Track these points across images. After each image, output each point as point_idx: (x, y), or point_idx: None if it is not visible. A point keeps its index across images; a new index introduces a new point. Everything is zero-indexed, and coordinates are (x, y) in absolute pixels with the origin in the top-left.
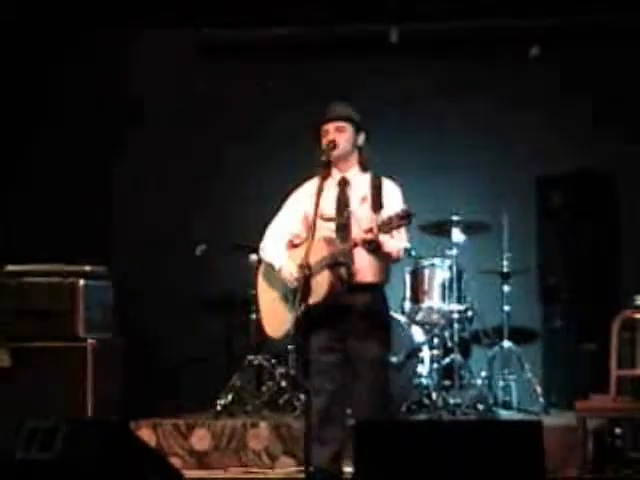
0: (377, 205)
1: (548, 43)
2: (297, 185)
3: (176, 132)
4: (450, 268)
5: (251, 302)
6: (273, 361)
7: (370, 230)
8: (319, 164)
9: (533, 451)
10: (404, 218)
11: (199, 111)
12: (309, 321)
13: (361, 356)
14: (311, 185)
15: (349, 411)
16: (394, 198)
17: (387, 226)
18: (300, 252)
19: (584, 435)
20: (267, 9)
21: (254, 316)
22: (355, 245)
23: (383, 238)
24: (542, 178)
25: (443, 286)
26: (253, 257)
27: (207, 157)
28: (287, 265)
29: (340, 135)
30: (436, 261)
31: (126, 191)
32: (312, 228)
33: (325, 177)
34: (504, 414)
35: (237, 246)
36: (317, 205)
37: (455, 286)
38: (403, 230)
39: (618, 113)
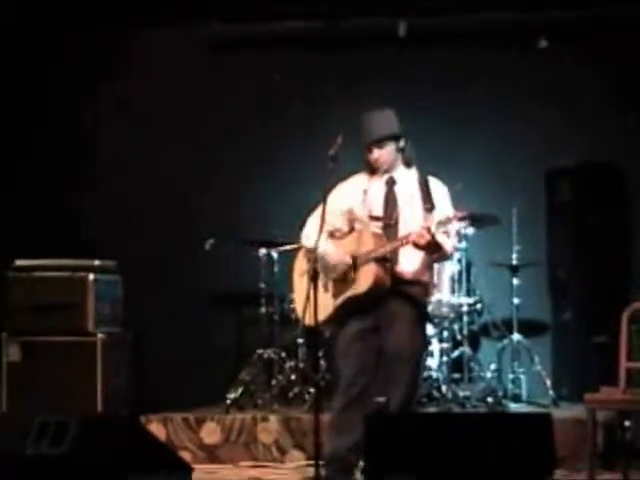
0: (429, 205)
1: (556, 36)
2: (339, 179)
3: (185, 128)
4: (459, 261)
5: (260, 296)
6: (283, 354)
7: (428, 229)
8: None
9: (543, 444)
10: (464, 219)
11: (204, 107)
12: (347, 311)
13: (398, 350)
14: (358, 180)
15: (381, 399)
16: (442, 197)
17: (444, 226)
18: (342, 244)
19: (594, 428)
20: (275, 3)
21: (263, 310)
22: (408, 243)
23: (441, 238)
24: (551, 171)
25: (452, 279)
26: (262, 251)
27: (217, 152)
28: (335, 251)
29: (382, 151)
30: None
31: (134, 186)
32: (356, 224)
33: (372, 174)
34: (514, 407)
35: (246, 240)
36: (365, 204)
37: (464, 279)
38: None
39: (628, 105)
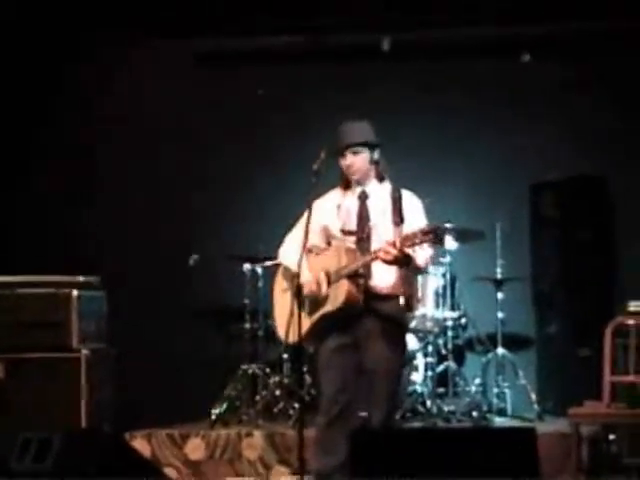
0: (398, 218)
1: (540, 50)
2: (318, 195)
3: (169, 142)
4: (444, 275)
5: (245, 311)
6: (267, 370)
7: (393, 244)
8: (343, 175)
9: (528, 458)
10: (428, 234)
11: (192, 120)
12: (323, 328)
13: (377, 367)
14: (332, 196)
15: (363, 414)
16: (414, 210)
17: (410, 241)
18: (318, 261)
19: (578, 441)
20: (261, 18)
21: (248, 325)
22: (376, 258)
23: (411, 252)
24: (535, 185)
25: (437, 293)
26: (247, 266)
27: (201, 168)
28: (306, 274)
29: (356, 157)
30: (430, 268)
31: (119, 202)
32: (332, 240)
33: (345, 189)
34: (499, 421)
35: (231, 256)
36: (339, 219)
37: (449, 293)
38: None
39: (612, 119)
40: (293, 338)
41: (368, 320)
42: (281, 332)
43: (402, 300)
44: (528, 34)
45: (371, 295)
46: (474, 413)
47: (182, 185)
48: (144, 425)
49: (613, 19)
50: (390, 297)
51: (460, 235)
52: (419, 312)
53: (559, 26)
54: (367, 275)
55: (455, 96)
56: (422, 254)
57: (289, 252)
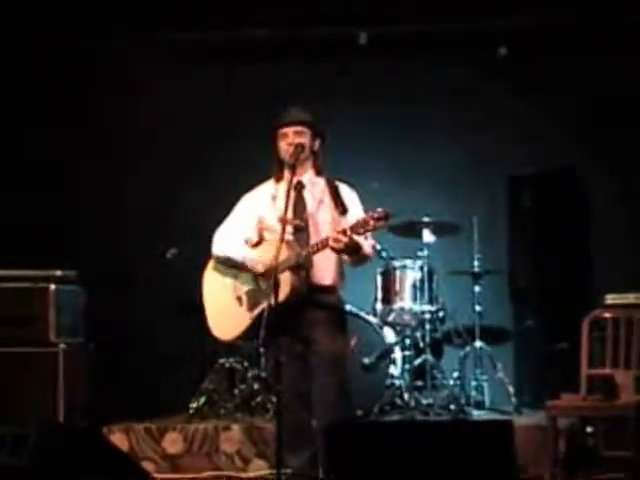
0: (341, 207)
1: (516, 43)
2: (250, 188)
3: (149, 137)
4: (421, 269)
5: None
6: (245, 364)
7: (343, 232)
8: (276, 167)
9: (504, 450)
10: (381, 219)
11: (168, 115)
12: (273, 324)
13: (323, 357)
14: (265, 188)
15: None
16: (352, 201)
17: (362, 227)
18: (256, 253)
19: (555, 434)
20: (236, 11)
21: None
22: (325, 247)
23: (359, 240)
24: (512, 179)
25: (414, 287)
26: None
27: (183, 162)
28: (250, 253)
29: (298, 139)
30: (407, 262)
31: (96, 193)
32: (282, 231)
33: (278, 180)
34: (476, 414)
35: (208, 249)
36: (287, 208)
37: (426, 287)
38: None
39: (588, 113)
40: (227, 334)
41: (311, 313)
42: (216, 331)
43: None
44: (503, 27)
45: (313, 287)
46: (452, 406)
47: (160, 179)
48: (122, 419)
49: (584, 14)
50: (330, 289)
51: (437, 229)
52: (397, 305)
53: (533, 19)
54: (308, 267)
55: (431, 90)
56: (368, 243)
57: (226, 244)
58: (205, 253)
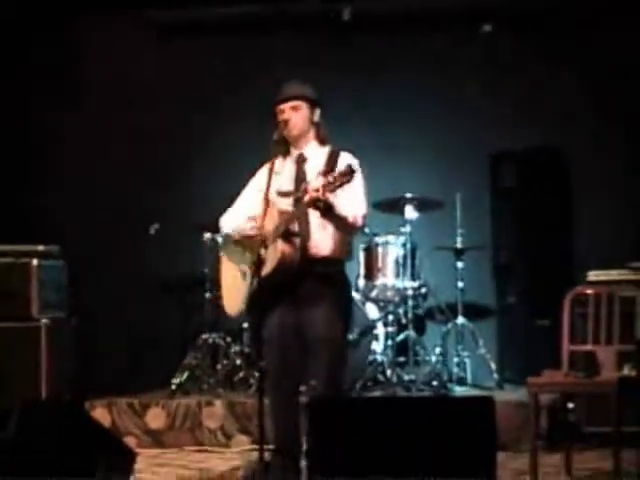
0: (328, 169)
1: (498, 20)
2: (261, 164)
3: (130, 113)
4: (404, 245)
5: (205, 280)
6: (228, 339)
7: (316, 190)
8: (272, 143)
9: (485, 426)
10: (347, 174)
11: (153, 92)
12: (263, 297)
13: (317, 332)
14: (271, 163)
15: (303, 388)
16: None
17: (332, 184)
18: (248, 225)
19: (536, 410)
20: None
21: (208, 294)
22: (306, 206)
23: (335, 200)
24: (495, 155)
25: (397, 263)
26: (207, 236)
27: (161, 137)
28: (242, 221)
29: (295, 114)
30: (390, 238)
31: (79, 169)
32: (265, 203)
33: (284, 155)
34: (459, 390)
35: (191, 225)
36: (269, 179)
37: (409, 263)
38: (362, 197)
39: (570, 90)
40: (234, 310)
41: (309, 284)
42: (226, 307)
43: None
44: (487, 4)
45: (309, 258)
46: (434, 382)
47: (143, 154)
48: (104, 394)
49: None
50: (329, 260)
51: (420, 205)
52: (379, 281)
53: None
54: (305, 236)
55: (415, 67)
56: (349, 207)
57: (227, 219)
58: (187, 228)
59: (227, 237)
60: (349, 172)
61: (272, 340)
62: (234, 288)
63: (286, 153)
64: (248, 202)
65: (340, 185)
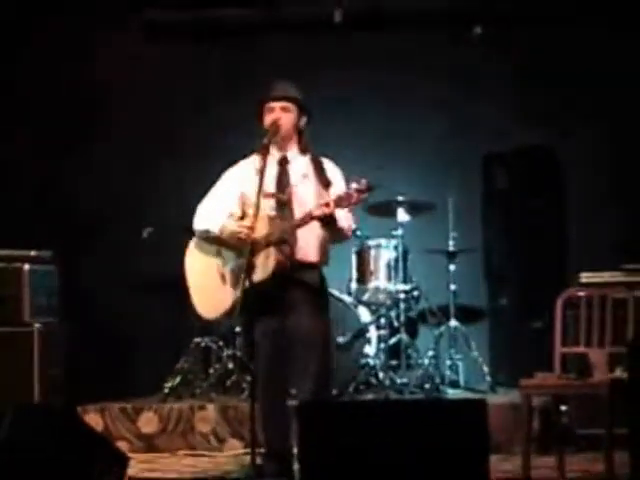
0: (325, 181)
1: (490, 23)
2: (232, 163)
3: (120, 114)
4: (396, 248)
5: None
6: (220, 343)
7: (327, 204)
8: (259, 144)
9: (478, 429)
10: (365, 192)
11: (146, 93)
12: (252, 301)
13: (303, 337)
14: (248, 163)
15: (293, 392)
16: (335, 177)
17: (346, 201)
18: (235, 224)
19: (529, 413)
20: None
21: None
22: (309, 220)
23: (338, 214)
24: (487, 157)
25: (389, 266)
26: None
27: (155, 138)
28: (229, 222)
29: (284, 115)
30: (382, 241)
31: (70, 173)
32: (256, 206)
33: (264, 155)
34: (451, 393)
35: (184, 228)
36: (261, 183)
37: (401, 266)
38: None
39: (564, 92)
40: (210, 313)
41: (293, 290)
42: (201, 310)
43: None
44: (478, 7)
45: (296, 264)
46: (426, 385)
47: (135, 156)
48: (97, 399)
49: None
50: (313, 266)
51: (412, 208)
52: (372, 285)
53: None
54: (293, 243)
55: (406, 68)
56: (346, 220)
57: (204, 217)
58: (180, 232)
59: (204, 235)
60: (367, 189)
61: (260, 345)
62: (212, 290)
63: (266, 153)
64: (225, 200)
65: (356, 202)
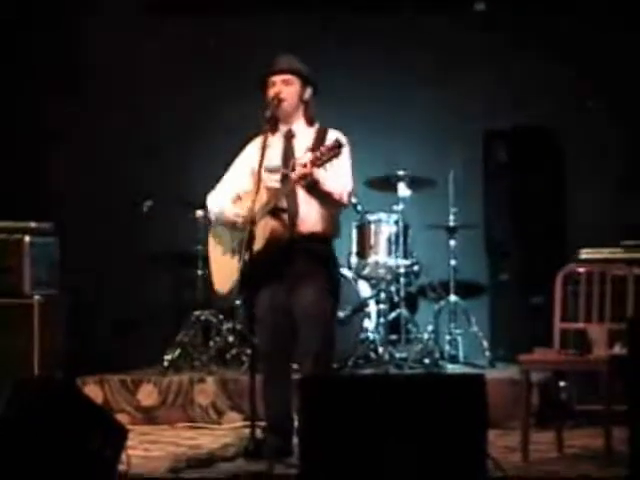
0: (317, 147)
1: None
2: (249, 140)
3: (122, 89)
4: (396, 223)
5: (198, 258)
6: (220, 316)
7: (304, 165)
8: (263, 119)
9: (476, 404)
10: (334, 148)
11: (146, 66)
12: (254, 275)
13: (306, 311)
14: (259, 140)
15: (295, 366)
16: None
17: (319, 159)
18: (244, 204)
19: (528, 388)
20: None
21: (200, 272)
22: (294, 182)
23: (321, 175)
24: (488, 132)
25: (389, 241)
26: (199, 213)
27: (154, 111)
28: (229, 207)
29: (287, 88)
30: (382, 216)
31: (70, 145)
32: (257, 180)
33: (272, 131)
34: (451, 368)
35: (184, 202)
36: (262, 157)
37: (401, 241)
38: (348, 173)
39: (564, 69)
40: (224, 288)
41: (298, 261)
42: (216, 285)
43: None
44: None
45: (298, 234)
46: (426, 360)
47: (135, 131)
48: (96, 371)
49: None
50: (317, 237)
51: (413, 182)
52: (372, 259)
53: None
54: (293, 212)
55: (408, 45)
56: (335, 183)
57: (211, 201)
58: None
59: (212, 217)
60: (337, 146)
61: (263, 319)
62: (224, 266)
63: (274, 130)
64: (237, 178)
65: (328, 159)
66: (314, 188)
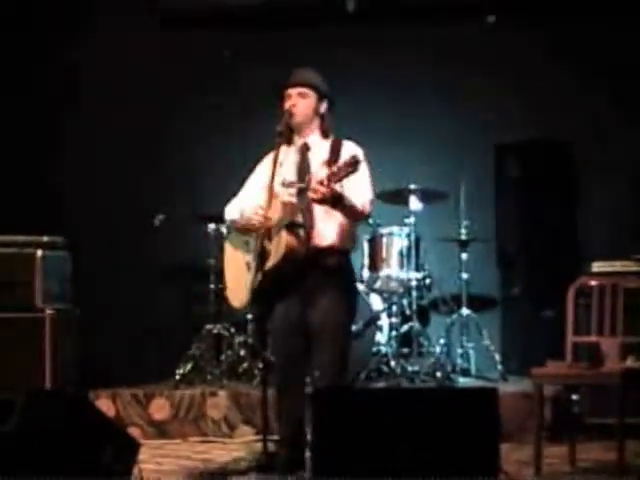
0: (332, 161)
1: (505, 11)
2: (263, 155)
3: (135, 102)
4: (408, 236)
5: (210, 271)
6: (232, 330)
7: (321, 182)
8: (276, 133)
9: (489, 418)
10: (351, 165)
11: (157, 79)
12: (268, 289)
13: (321, 324)
14: (273, 154)
15: (308, 379)
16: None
17: (336, 175)
18: (254, 209)
19: (540, 401)
20: None
21: (212, 285)
22: (311, 200)
23: (341, 190)
24: (500, 146)
25: (401, 254)
26: (211, 227)
27: (165, 126)
28: (249, 207)
29: (302, 101)
30: (394, 229)
31: (82, 159)
32: (268, 194)
33: (288, 143)
34: (462, 381)
35: (195, 215)
36: (274, 170)
37: (413, 254)
38: (368, 183)
39: (577, 82)
40: (238, 301)
41: (313, 275)
42: (230, 298)
43: None
44: None
45: (314, 249)
46: (438, 373)
47: (148, 145)
48: (108, 385)
49: None
50: (333, 250)
51: (425, 196)
52: (383, 272)
53: None
54: (309, 227)
55: (420, 57)
56: (360, 196)
57: (232, 208)
58: (192, 219)
59: (232, 225)
60: (353, 162)
61: (277, 331)
62: (238, 279)
63: (290, 142)
64: (253, 192)
65: (345, 175)
66: (338, 203)
